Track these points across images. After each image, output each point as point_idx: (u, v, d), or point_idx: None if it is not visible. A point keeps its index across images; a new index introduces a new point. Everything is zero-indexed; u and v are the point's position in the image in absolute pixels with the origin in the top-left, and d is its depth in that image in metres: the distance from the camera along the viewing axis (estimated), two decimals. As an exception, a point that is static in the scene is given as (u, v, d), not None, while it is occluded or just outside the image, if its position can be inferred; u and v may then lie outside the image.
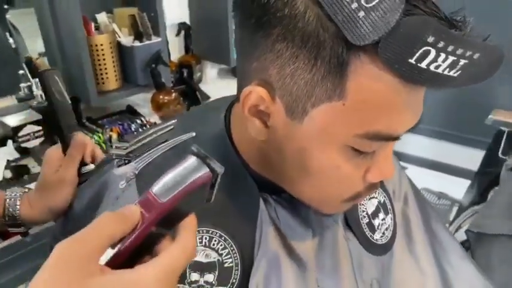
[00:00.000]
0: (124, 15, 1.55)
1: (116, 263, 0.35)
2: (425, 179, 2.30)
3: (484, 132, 1.81)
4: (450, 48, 0.35)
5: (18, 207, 0.61)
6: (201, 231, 0.50)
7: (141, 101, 1.70)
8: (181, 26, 1.85)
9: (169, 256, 0.35)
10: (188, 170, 0.38)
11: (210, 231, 0.50)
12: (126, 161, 0.56)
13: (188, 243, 0.36)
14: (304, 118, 0.43)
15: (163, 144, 0.56)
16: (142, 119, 1.52)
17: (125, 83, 1.57)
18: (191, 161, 0.39)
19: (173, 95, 1.60)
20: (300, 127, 0.44)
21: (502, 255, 1.44)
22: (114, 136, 1.41)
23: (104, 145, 1.38)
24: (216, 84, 2.00)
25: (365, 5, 0.36)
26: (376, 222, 0.60)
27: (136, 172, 0.53)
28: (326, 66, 0.39)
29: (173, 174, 0.38)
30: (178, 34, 1.86)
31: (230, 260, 0.50)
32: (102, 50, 1.45)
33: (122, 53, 1.53)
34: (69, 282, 0.31)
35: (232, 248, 0.50)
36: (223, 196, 0.51)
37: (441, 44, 0.35)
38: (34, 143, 1.33)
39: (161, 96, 1.58)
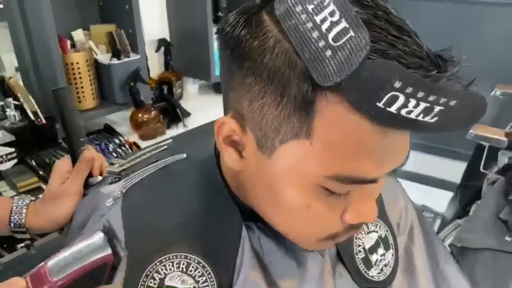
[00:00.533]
0: (101, 32, 1.52)
1: None
2: (407, 191, 2.29)
3: (466, 145, 1.82)
4: (420, 95, 0.33)
5: (23, 215, 0.62)
6: (178, 256, 0.48)
7: (120, 119, 1.65)
8: (161, 42, 1.82)
9: None
10: (90, 248, 0.38)
11: (188, 257, 0.48)
12: (117, 179, 0.57)
13: None
14: (273, 154, 0.41)
15: (153, 164, 0.56)
16: (121, 138, 1.48)
17: (103, 101, 1.53)
18: (97, 238, 0.39)
19: (153, 112, 1.56)
20: (269, 162, 0.42)
21: (486, 270, 1.44)
22: (91, 157, 1.36)
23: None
24: (197, 100, 1.98)
25: (332, 43, 0.34)
26: (373, 257, 0.58)
27: (124, 191, 0.53)
28: (292, 104, 0.38)
29: (74, 251, 0.36)
30: (157, 50, 1.83)
31: (207, 287, 0.48)
32: (79, 68, 1.42)
33: (99, 71, 1.50)
34: None
35: (210, 276, 0.49)
36: (206, 220, 0.51)
37: (409, 90, 0.33)
38: (6, 165, 1.28)
39: (140, 115, 1.54)
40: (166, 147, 0.61)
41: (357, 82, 0.34)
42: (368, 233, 0.58)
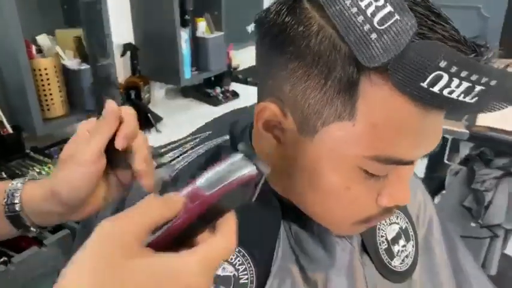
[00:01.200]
0: (67, 37, 1.46)
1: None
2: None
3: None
4: (464, 74, 0.35)
5: (19, 191, 0.46)
6: None
7: (89, 126, 1.59)
8: (127, 46, 1.78)
9: (212, 246, 0.33)
10: (234, 166, 0.37)
11: None
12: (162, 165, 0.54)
13: (230, 238, 0.35)
14: (314, 136, 0.43)
15: (197, 147, 0.56)
16: (95, 146, 1.43)
17: (72, 108, 1.47)
18: (237, 158, 0.38)
19: (125, 118, 1.52)
20: (310, 145, 0.43)
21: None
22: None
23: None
24: (165, 105, 1.95)
25: (378, 27, 0.36)
26: (395, 248, 0.60)
27: (172, 175, 0.53)
28: (336, 86, 0.39)
29: (218, 169, 0.37)
30: (123, 55, 1.79)
31: (246, 276, 0.49)
32: (47, 74, 1.35)
33: (68, 77, 1.44)
34: (111, 261, 0.30)
35: (249, 265, 0.49)
36: (248, 210, 0.50)
37: (454, 69, 0.35)
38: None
39: (113, 121, 1.49)
40: (207, 135, 0.59)
41: (402, 63, 0.36)
42: (390, 224, 0.61)
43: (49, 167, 1.28)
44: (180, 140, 0.60)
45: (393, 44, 0.36)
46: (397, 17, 0.36)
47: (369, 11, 0.37)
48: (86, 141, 0.43)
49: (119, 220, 0.32)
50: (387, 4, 0.36)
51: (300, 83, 0.41)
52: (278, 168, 0.49)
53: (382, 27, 0.36)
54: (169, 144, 0.59)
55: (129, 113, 0.44)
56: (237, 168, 0.37)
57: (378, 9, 0.37)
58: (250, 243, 0.50)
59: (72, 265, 0.30)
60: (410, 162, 0.43)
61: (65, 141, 1.46)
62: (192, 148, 0.56)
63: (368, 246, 0.58)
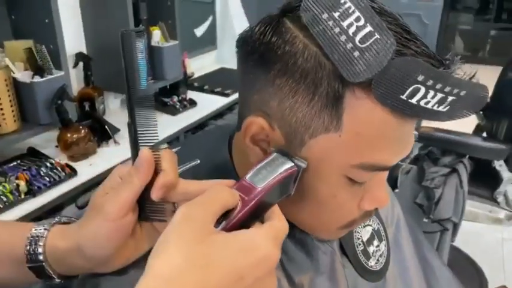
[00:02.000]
0: (17, 49, 1.39)
1: None
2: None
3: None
4: (438, 86, 0.40)
5: (43, 238, 0.42)
6: None
7: (43, 141, 1.53)
8: (79, 56, 1.72)
9: (274, 223, 0.39)
10: (276, 163, 0.42)
11: None
12: None
13: (284, 220, 0.40)
14: (302, 148, 0.45)
15: None
16: (52, 161, 1.37)
17: (25, 123, 1.40)
18: (275, 156, 0.43)
19: (82, 131, 1.48)
20: (298, 157, 0.46)
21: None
22: (23, 184, 1.25)
23: (11, 196, 1.21)
24: (120, 115, 1.90)
25: (359, 45, 0.40)
26: (370, 249, 0.63)
27: None
28: (323, 101, 0.42)
29: (262, 166, 0.42)
30: (76, 65, 1.73)
31: None
32: (-3, 88, 1.29)
33: (19, 90, 1.37)
34: (195, 238, 0.35)
35: None
36: None
37: (430, 82, 0.39)
38: None
39: (69, 135, 1.44)
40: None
41: (384, 78, 0.40)
42: (364, 226, 0.64)
43: (3, 186, 1.22)
44: None
45: (375, 61, 0.39)
46: (377, 36, 0.40)
47: (351, 31, 0.40)
48: (116, 190, 0.41)
49: (196, 204, 0.37)
50: (367, 24, 0.40)
51: (287, 98, 0.44)
52: None
53: (364, 46, 0.40)
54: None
55: (169, 159, 0.42)
56: (279, 164, 0.42)
57: (359, 29, 0.40)
58: None
59: (161, 245, 0.35)
60: (390, 168, 0.47)
61: (18, 157, 1.39)
62: None
63: (346, 248, 0.61)
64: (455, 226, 1.71)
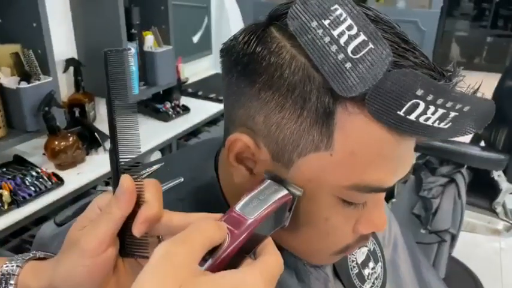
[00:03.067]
0: (3, 53, 1.35)
1: None
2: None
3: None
4: (440, 101, 0.36)
5: (14, 278, 0.38)
6: None
7: (30, 148, 1.49)
8: (70, 62, 1.68)
9: (268, 260, 0.35)
10: (269, 191, 0.39)
11: None
12: None
13: (278, 255, 0.35)
14: (290, 168, 0.41)
15: None
16: (37, 169, 1.33)
17: (11, 129, 1.36)
18: (268, 183, 0.39)
19: (70, 139, 1.43)
20: (286, 176, 0.42)
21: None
22: (6, 193, 1.20)
23: (-7, 206, 1.17)
24: (112, 122, 1.86)
25: (352, 56, 0.36)
26: (366, 272, 0.60)
27: None
28: (312, 116, 0.38)
29: (254, 195, 0.38)
30: (66, 71, 1.69)
31: None
32: (-19, 94, 1.24)
33: (5, 96, 1.33)
34: (176, 280, 0.30)
35: None
36: None
37: (430, 97, 0.35)
38: None
39: (57, 142, 1.40)
40: (153, 170, 0.55)
41: (379, 92, 0.35)
42: (359, 247, 0.60)
43: (-13, 197, 1.17)
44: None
45: (369, 73, 0.35)
46: (371, 45, 0.36)
47: (342, 40, 0.36)
48: (95, 223, 0.37)
49: (178, 241, 0.32)
50: (360, 33, 0.36)
51: (273, 114, 0.40)
52: None
53: (357, 56, 0.36)
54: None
55: (152, 190, 0.37)
56: (272, 192, 0.38)
57: (351, 38, 0.36)
58: None
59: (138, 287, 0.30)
60: (387, 189, 0.43)
61: (3, 165, 1.35)
62: None
63: (340, 272, 0.57)
64: (453, 237, 1.68)
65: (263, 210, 0.37)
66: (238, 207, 0.37)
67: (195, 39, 2.57)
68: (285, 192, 0.39)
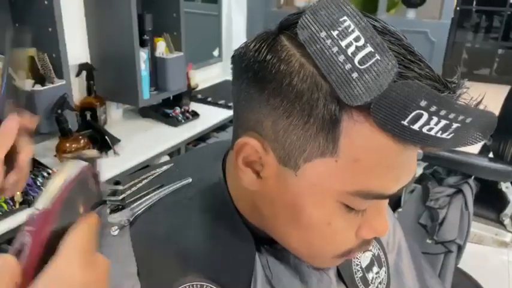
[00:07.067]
0: (19, 57, 1.39)
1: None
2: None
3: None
4: (443, 113, 0.37)
5: None
6: (194, 286, 0.49)
7: (42, 150, 1.52)
8: (83, 66, 1.72)
9: (75, 237, 0.32)
10: (65, 173, 0.34)
11: (204, 286, 0.49)
12: (120, 207, 0.52)
13: (86, 221, 0.34)
14: (296, 172, 0.43)
15: (160, 190, 0.54)
16: (49, 170, 1.36)
17: (24, 131, 1.39)
18: (65, 163, 0.36)
19: (81, 141, 1.46)
20: (291, 180, 0.43)
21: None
22: (17, 193, 1.23)
23: (5, 206, 1.19)
24: (122, 126, 1.89)
25: (358, 66, 0.37)
26: (370, 276, 0.60)
27: (131, 219, 0.51)
28: (319, 123, 0.40)
29: (50, 183, 0.34)
30: (78, 75, 1.73)
31: None
32: (-3, 96, 1.27)
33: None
34: None
35: None
36: (219, 246, 0.51)
37: (433, 108, 0.36)
38: None
39: (68, 144, 1.43)
40: (163, 170, 0.58)
41: (384, 102, 0.37)
42: (363, 251, 0.61)
43: (3, 198, 1.20)
44: (141, 174, 0.58)
45: (375, 83, 0.37)
46: (377, 57, 0.37)
47: (350, 51, 0.37)
48: None
49: None
50: (367, 44, 0.37)
51: (281, 120, 0.41)
52: (257, 202, 0.49)
53: (364, 67, 0.37)
54: (133, 178, 0.57)
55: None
56: (67, 173, 0.34)
57: (359, 49, 0.37)
58: (225, 279, 0.49)
59: None
60: (390, 196, 0.44)
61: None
62: (154, 190, 0.54)
63: (344, 275, 0.58)
64: (460, 248, 1.67)
65: (58, 193, 0.33)
66: (37, 205, 0.33)
67: (215, 53, 2.61)
68: (81, 164, 0.35)
